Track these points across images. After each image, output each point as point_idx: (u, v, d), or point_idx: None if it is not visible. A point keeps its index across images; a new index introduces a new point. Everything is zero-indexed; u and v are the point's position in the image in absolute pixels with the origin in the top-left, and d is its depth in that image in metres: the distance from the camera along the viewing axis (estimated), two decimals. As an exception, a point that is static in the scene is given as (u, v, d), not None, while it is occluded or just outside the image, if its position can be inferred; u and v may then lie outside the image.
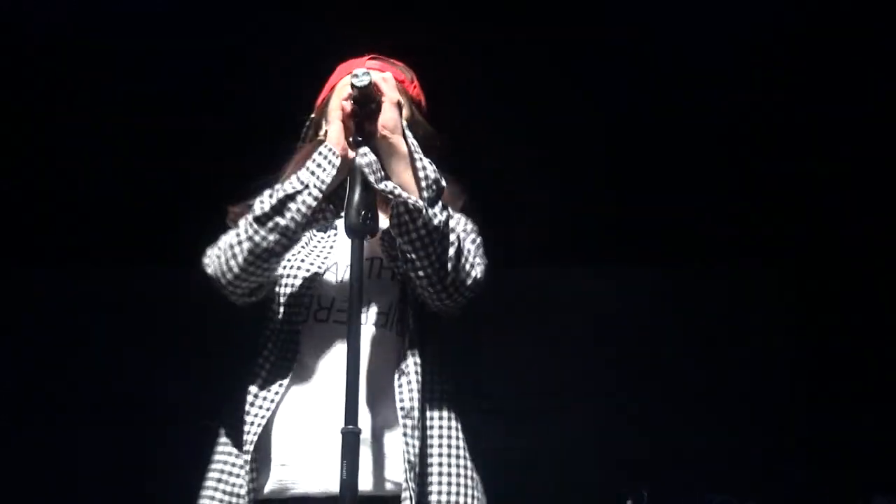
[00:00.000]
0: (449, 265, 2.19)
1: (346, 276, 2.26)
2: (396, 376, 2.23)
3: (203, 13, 3.98)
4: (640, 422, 4.67)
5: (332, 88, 2.41)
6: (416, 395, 2.21)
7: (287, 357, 2.27)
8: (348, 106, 2.23)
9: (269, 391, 2.25)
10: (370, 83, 2.20)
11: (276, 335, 2.29)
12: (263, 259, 2.19)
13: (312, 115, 2.44)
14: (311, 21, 4.02)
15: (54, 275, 4.74)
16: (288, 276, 2.32)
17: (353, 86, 2.20)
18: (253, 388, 2.26)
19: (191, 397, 4.59)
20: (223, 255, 2.22)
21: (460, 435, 2.28)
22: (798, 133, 4.39)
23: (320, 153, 2.21)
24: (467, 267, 2.22)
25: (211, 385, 4.55)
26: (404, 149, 2.21)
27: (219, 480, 2.27)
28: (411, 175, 2.19)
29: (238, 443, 2.27)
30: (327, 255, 2.35)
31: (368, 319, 2.28)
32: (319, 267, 2.32)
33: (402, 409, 2.20)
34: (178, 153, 4.33)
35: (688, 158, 4.46)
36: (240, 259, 2.19)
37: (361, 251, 2.13)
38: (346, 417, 2.03)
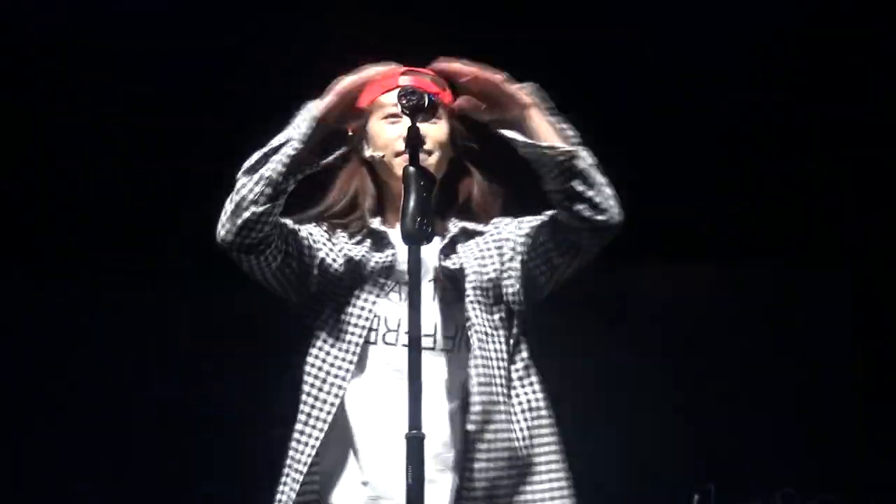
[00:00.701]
0: (606, 187, 2.50)
1: (397, 297, 2.33)
2: (470, 397, 2.26)
3: (203, 13, 3.99)
4: (638, 421, 4.67)
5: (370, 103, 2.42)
6: (487, 415, 2.25)
7: (340, 376, 2.29)
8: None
9: (322, 407, 2.28)
10: (430, 101, 2.31)
11: (330, 348, 2.32)
12: (245, 209, 2.23)
13: (350, 134, 2.42)
14: (311, 21, 4.03)
15: (54, 275, 4.74)
16: (337, 289, 2.34)
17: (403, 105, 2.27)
18: (308, 400, 2.30)
19: (191, 398, 4.60)
20: (221, 216, 2.28)
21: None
22: (798, 133, 4.39)
23: (307, 108, 2.29)
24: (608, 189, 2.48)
25: (210, 386, 4.59)
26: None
27: (283, 483, 2.30)
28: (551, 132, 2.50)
29: (297, 452, 2.30)
30: (385, 278, 2.36)
31: (437, 345, 2.31)
32: (371, 291, 2.34)
33: (476, 434, 2.25)
34: (178, 153, 4.33)
35: (688, 158, 4.46)
36: (228, 211, 2.26)
37: (419, 257, 2.15)
38: (410, 422, 2.04)
